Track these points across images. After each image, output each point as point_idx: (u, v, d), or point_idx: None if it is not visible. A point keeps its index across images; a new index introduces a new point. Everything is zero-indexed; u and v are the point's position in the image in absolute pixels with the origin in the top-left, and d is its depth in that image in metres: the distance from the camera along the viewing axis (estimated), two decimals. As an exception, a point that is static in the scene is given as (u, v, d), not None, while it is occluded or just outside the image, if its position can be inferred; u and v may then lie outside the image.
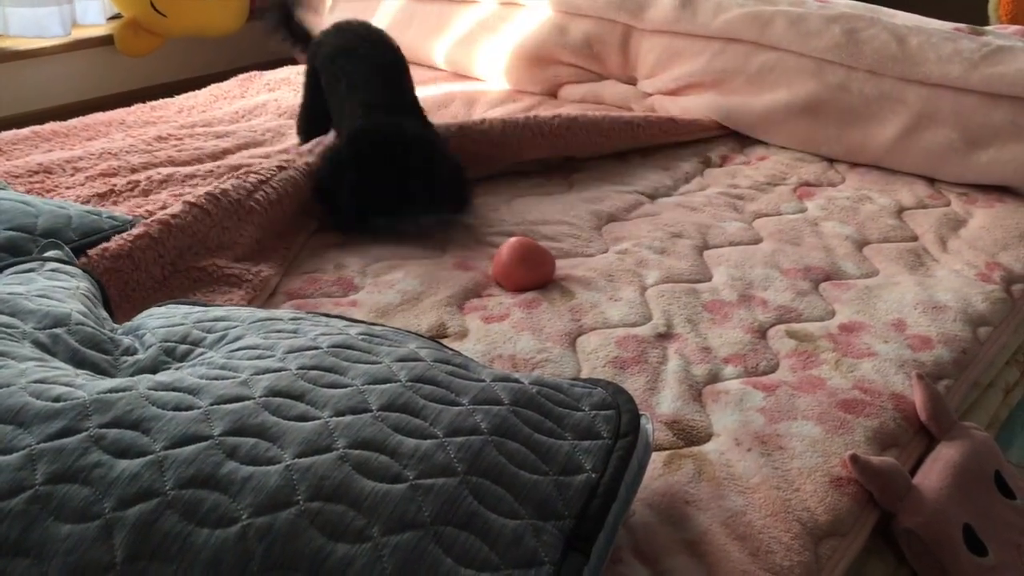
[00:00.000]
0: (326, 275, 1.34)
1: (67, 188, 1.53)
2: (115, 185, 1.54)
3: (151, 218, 1.31)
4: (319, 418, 0.73)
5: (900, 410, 1.09)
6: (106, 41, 2.59)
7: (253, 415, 0.72)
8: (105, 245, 1.23)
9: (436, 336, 1.19)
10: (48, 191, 1.51)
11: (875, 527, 0.96)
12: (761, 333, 1.24)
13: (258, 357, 0.82)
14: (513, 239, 1.35)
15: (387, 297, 1.28)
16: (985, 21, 2.80)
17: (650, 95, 2.11)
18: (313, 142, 1.61)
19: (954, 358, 1.21)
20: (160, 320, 0.94)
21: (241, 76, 2.26)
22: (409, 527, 0.66)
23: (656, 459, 0.97)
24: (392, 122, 1.47)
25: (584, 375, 1.12)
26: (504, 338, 1.19)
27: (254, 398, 0.74)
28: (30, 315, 0.87)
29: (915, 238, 1.56)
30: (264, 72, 2.29)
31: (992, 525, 1.00)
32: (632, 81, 2.15)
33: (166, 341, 0.89)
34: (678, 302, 1.29)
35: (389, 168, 1.42)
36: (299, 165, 1.51)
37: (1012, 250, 1.52)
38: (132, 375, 0.84)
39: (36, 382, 0.74)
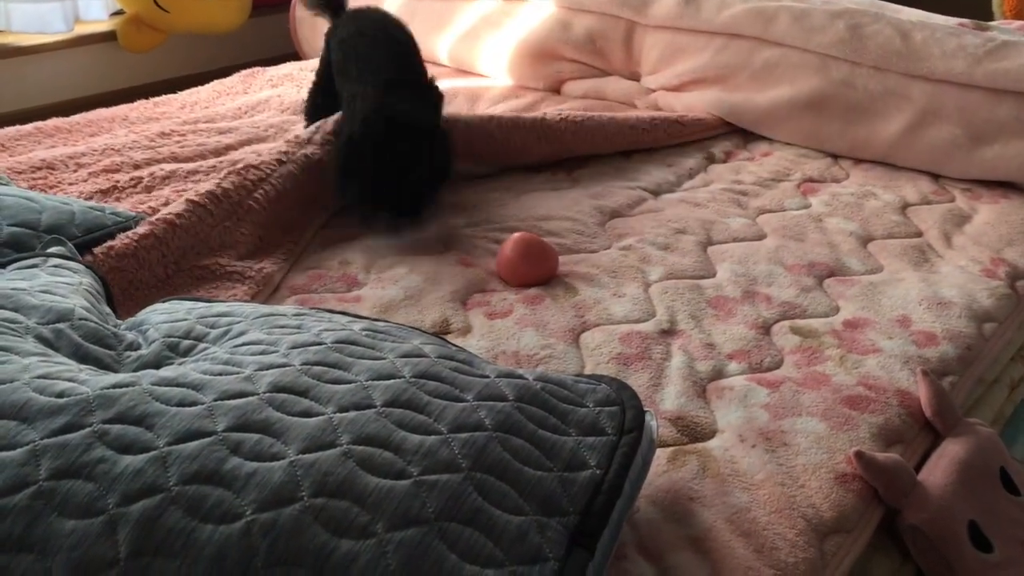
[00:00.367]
0: (330, 271, 1.34)
1: (70, 184, 1.52)
2: (118, 181, 1.54)
3: (155, 217, 1.31)
4: (323, 414, 0.73)
5: (905, 406, 1.09)
6: (109, 37, 2.59)
7: (257, 411, 0.72)
8: (110, 244, 1.23)
9: (439, 332, 1.19)
10: (51, 187, 1.51)
11: (880, 523, 0.96)
12: (765, 329, 1.23)
13: (262, 353, 0.81)
14: (516, 235, 1.34)
15: (391, 293, 1.28)
16: (990, 16, 2.79)
17: (653, 91, 2.10)
18: (313, 127, 1.60)
19: (959, 354, 1.21)
20: (163, 315, 0.94)
21: (244, 72, 2.26)
22: (413, 523, 0.66)
23: (660, 455, 0.97)
24: (403, 106, 1.48)
25: (588, 371, 1.12)
26: (508, 334, 1.18)
27: (258, 394, 0.74)
28: (33, 310, 0.87)
29: (920, 234, 1.56)
30: (267, 68, 2.29)
31: (997, 521, 1.00)
32: (635, 77, 2.15)
33: (169, 336, 0.89)
34: (682, 298, 1.29)
35: (397, 151, 1.42)
36: (298, 157, 1.51)
37: (1017, 246, 1.51)
38: (135, 370, 0.84)
39: (39, 377, 0.74)
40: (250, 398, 0.73)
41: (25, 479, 0.65)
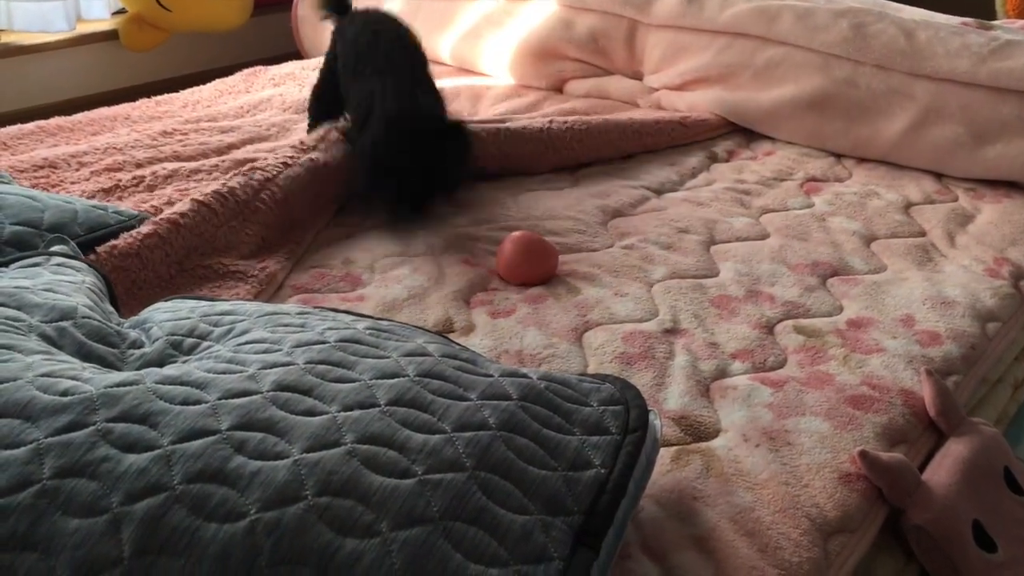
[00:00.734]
0: (333, 270, 1.34)
1: (72, 183, 1.52)
2: (120, 180, 1.54)
3: (159, 216, 1.31)
4: (327, 413, 0.73)
5: (909, 406, 1.09)
6: (111, 36, 2.59)
7: (261, 409, 0.72)
8: (114, 243, 1.23)
9: (443, 331, 1.19)
10: (53, 186, 1.51)
11: (884, 523, 0.96)
12: (768, 329, 1.23)
13: (265, 351, 0.81)
14: (516, 233, 1.34)
15: (394, 292, 1.28)
16: (992, 15, 2.79)
17: (656, 90, 2.10)
18: (321, 132, 1.60)
19: (963, 354, 1.21)
20: (167, 314, 0.94)
21: (246, 71, 2.26)
22: (418, 522, 0.66)
23: (664, 455, 0.97)
24: (424, 105, 1.50)
25: (591, 371, 1.12)
26: (511, 333, 1.18)
27: (262, 392, 0.74)
28: (36, 309, 0.87)
29: (923, 233, 1.56)
30: (269, 67, 2.29)
31: (1001, 521, 0.99)
32: (638, 76, 2.15)
33: (173, 335, 0.88)
34: (685, 298, 1.29)
35: (423, 149, 1.44)
36: (304, 161, 1.51)
37: (1020, 245, 1.51)
38: (139, 368, 0.83)
39: (43, 376, 0.73)
40: (254, 397, 0.73)
41: (29, 478, 0.64)
